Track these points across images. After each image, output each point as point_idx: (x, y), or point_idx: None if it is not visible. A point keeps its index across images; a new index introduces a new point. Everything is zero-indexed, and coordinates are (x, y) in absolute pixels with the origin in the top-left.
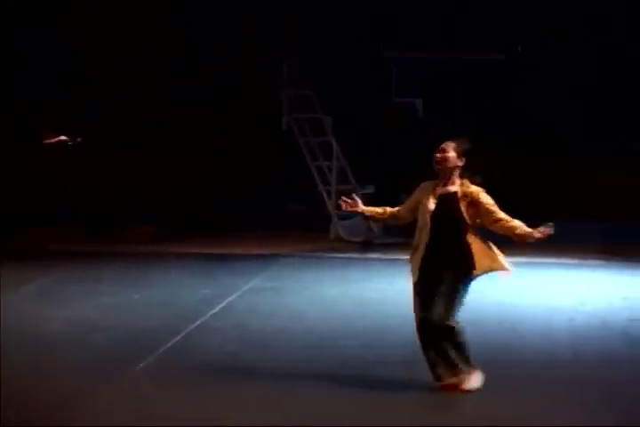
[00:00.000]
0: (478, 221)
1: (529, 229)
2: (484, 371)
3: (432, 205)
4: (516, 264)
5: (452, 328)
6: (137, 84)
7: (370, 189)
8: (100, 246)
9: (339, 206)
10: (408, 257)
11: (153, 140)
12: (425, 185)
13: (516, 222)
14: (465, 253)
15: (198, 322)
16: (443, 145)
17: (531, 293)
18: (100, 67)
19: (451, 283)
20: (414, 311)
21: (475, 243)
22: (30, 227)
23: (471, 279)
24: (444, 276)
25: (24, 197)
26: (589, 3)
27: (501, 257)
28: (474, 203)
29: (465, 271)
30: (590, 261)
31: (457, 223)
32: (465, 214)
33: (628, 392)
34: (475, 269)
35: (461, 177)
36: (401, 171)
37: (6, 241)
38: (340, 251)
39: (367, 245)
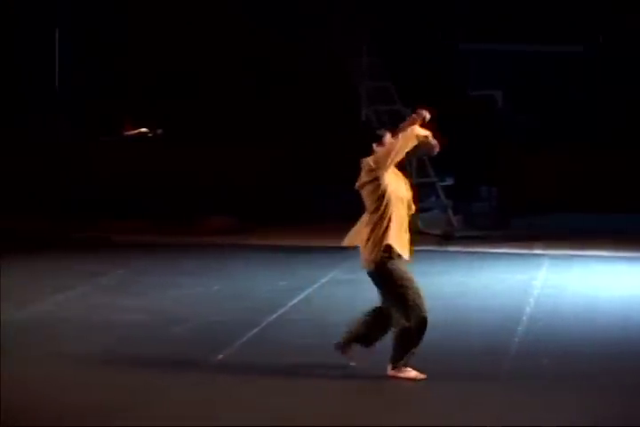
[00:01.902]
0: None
1: None
2: (562, 362)
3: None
4: (594, 258)
5: None
6: (216, 77)
7: (449, 181)
8: (179, 238)
9: (418, 198)
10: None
11: (232, 132)
12: None
13: None
14: None
15: (276, 315)
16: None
17: (609, 286)
18: (179, 59)
19: None
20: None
21: None
22: (112, 219)
23: None
24: None
25: (106, 189)
26: None
27: None
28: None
29: None
30: None
31: None
32: None
33: None
34: None
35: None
36: (479, 162)
37: (87, 233)
38: (419, 243)
39: (447, 238)
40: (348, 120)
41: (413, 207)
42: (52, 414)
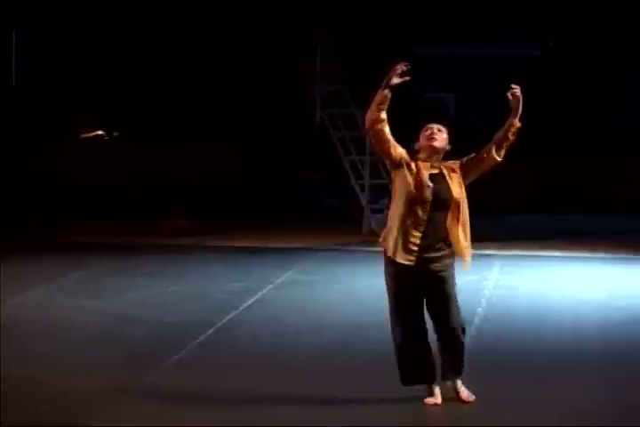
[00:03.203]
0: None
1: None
2: (514, 365)
3: (429, 182)
4: (545, 258)
5: None
6: (170, 78)
7: None
8: (139, 239)
9: (371, 200)
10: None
11: (187, 134)
12: (408, 157)
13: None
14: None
15: (232, 315)
16: (437, 125)
17: (559, 286)
18: (134, 62)
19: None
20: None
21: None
22: (72, 220)
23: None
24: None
25: (61, 192)
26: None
27: None
28: (463, 166)
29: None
30: (620, 255)
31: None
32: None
33: None
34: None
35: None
36: None
37: (47, 234)
38: (372, 244)
39: None
40: (303, 123)
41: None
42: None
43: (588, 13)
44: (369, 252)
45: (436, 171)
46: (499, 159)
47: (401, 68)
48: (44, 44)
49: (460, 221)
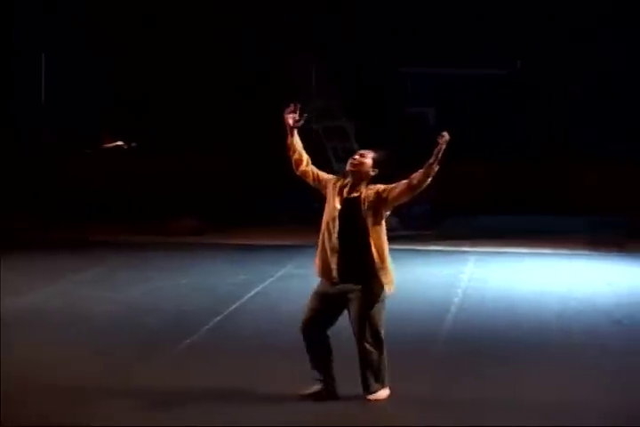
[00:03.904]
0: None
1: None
2: (487, 350)
3: (338, 205)
4: (514, 254)
5: None
6: (181, 94)
7: None
8: (151, 238)
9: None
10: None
11: (196, 142)
12: (334, 182)
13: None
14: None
15: (236, 305)
16: (363, 151)
17: (526, 279)
18: (149, 79)
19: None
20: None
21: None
22: (87, 221)
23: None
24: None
25: (82, 195)
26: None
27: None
28: (379, 195)
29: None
30: (579, 252)
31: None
32: (368, 219)
33: (612, 365)
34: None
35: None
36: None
37: (65, 234)
38: None
39: None
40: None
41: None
42: (35, 394)
43: (550, 39)
44: None
45: (356, 195)
46: (411, 195)
47: (290, 109)
48: (68, 65)
49: (373, 245)
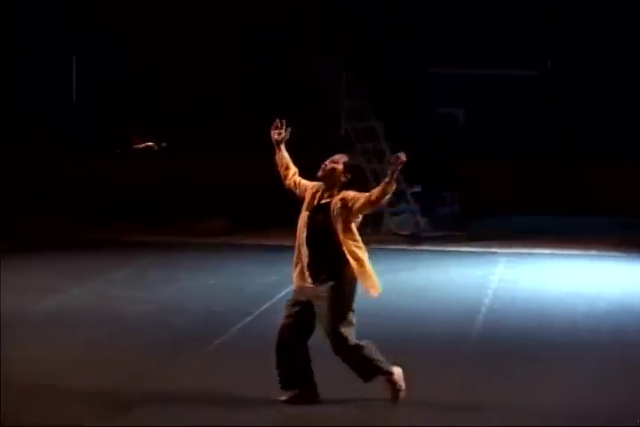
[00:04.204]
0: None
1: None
2: (517, 350)
3: (307, 211)
4: (543, 255)
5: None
6: (210, 96)
7: (417, 189)
8: (181, 238)
9: (390, 204)
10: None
11: (223, 144)
12: (311, 188)
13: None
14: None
15: (266, 305)
16: (335, 156)
17: (555, 280)
18: (178, 82)
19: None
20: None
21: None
22: (117, 221)
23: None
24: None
25: (112, 195)
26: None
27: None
28: (346, 203)
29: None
30: (608, 253)
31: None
32: (338, 225)
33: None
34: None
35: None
36: (444, 172)
37: (95, 234)
38: (390, 243)
39: (415, 238)
40: (330, 134)
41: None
42: (61, 393)
43: (580, 39)
44: (387, 250)
45: (326, 201)
46: (372, 208)
47: (276, 125)
48: (98, 66)
49: (346, 250)
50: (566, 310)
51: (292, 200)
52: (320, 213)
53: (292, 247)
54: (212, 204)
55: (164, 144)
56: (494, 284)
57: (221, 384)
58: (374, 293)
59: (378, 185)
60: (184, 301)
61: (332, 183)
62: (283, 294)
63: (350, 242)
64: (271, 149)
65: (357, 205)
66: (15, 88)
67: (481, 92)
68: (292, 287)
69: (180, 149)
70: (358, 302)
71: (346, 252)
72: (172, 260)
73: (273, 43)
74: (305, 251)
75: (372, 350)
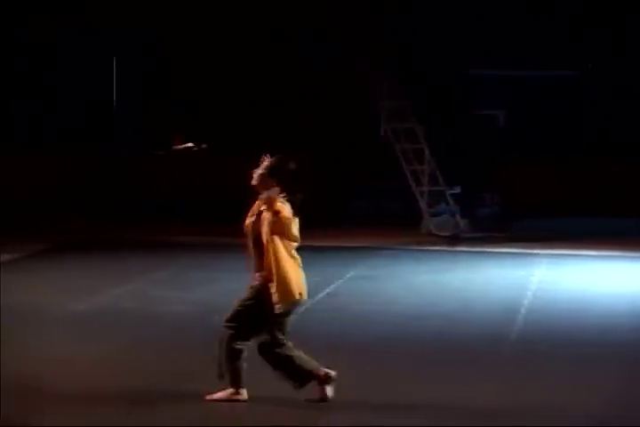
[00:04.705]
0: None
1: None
2: (557, 351)
3: (247, 220)
4: (584, 257)
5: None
6: (252, 96)
7: (457, 190)
8: (219, 239)
9: (430, 204)
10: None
11: (261, 143)
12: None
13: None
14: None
15: (305, 306)
16: (263, 162)
17: (596, 281)
18: (219, 81)
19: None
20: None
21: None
22: (158, 222)
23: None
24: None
25: (153, 196)
26: None
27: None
28: (263, 217)
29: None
30: None
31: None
32: (263, 235)
33: None
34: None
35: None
36: (483, 173)
37: (137, 235)
38: (430, 244)
39: (455, 239)
40: (370, 134)
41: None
42: (100, 395)
43: (620, 41)
44: (427, 251)
45: (263, 208)
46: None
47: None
48: (139, 68)
49: (265, 259)
50: (607, 312)
51: (329, 202)
52: (256, 223)
53: (332, 248)
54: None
55: (203, 145)
56: (534, 285)
57: (260, 385)
58: (277, 307)
59: (418, 186)
60: (224, 301)
61: (258, 191)
62: (322, 295)
63: (272, 252)
64: (312, 149)
65: (258, 226)
66: (57, 89)
67: (522, 93)
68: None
69: (220, 150)
70: (400, 303)
71: (266, 261)
72: (213, 260)
73: (316, 42)
74: (250, 252)
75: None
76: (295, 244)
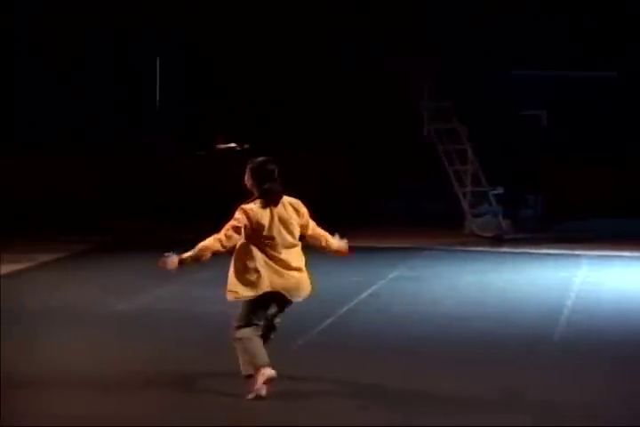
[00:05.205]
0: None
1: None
2: (599, 348)
3: None
4: (627, 258)
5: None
6: (298, 97)
7: (499, 190)
8: None
9: (472, 205)
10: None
11: (305, 144)
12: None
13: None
14: None
15: (348, 306)
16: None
17: (638, 283)
18: (265, 83)
19: None
20: None
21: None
22: (201, 222)
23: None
24: None
25: (195, 195)
26: None
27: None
28: None
29: None
30: None
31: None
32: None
33: None
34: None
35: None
36: (526, 174)
37: (181, 235)
38: (473, 245)
39: (498, 240)
40: (413, 135)
41: None
42: (143, 395)
43: None
44: (470, 251)
45: None
46: None
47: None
48: (182, 68)
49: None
50: None
51: (371, 202)
52: None
53: (374, 249)
54: None
55: (246, 146)
56: (577, 286)
57: (305, 385)
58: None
59: (461, 186)
60: None
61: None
62: (364, 295)
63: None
64: (354, 149)
65: None
66: (101, 90)
67: (564, 94)
68: None
69: (262, 151)
70: (444, 303)
71: None
72: None
73: (358, 41)
74: None
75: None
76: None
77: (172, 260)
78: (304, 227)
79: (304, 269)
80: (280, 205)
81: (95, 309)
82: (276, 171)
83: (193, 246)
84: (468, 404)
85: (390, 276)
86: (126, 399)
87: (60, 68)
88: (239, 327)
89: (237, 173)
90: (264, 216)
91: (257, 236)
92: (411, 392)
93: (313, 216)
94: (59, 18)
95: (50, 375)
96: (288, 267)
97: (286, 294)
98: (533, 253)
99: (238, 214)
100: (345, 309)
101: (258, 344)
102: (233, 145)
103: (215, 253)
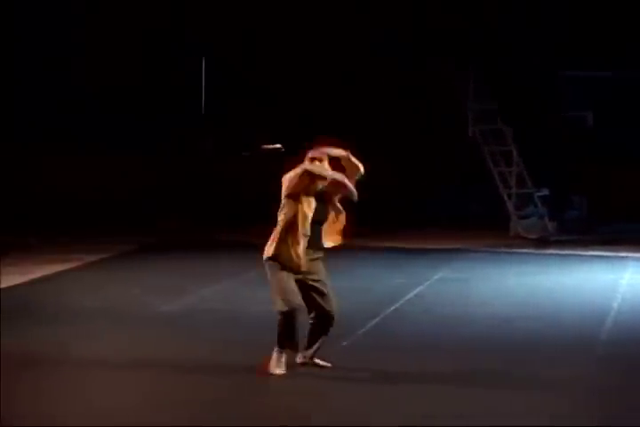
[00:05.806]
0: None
1: None
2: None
3: None
4: None
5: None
6: (340, 100)
7: (545, 192)
8: None
9: (517, 207)
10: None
11: (346, 145)
12: None
13: None
14: None
15: (394, 307)
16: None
17: None
18: (309, 84)
19: None
20: None
21: None
22: (248, 223)
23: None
24: None
25: (242, 197)
26: None
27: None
28: None
29: None
30: None
31: None
32: None
33: None
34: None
35: None
36: (572, 175)
37: (228, 236)
38: (518, 246)
39: (543, 242)
40: (458, 136)
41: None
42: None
43: None
44: (515, 253)
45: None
46: None
47: None
48: (227, 69)
49: None
50: None
51: (415, 204)
52: None
53: (418, 251)
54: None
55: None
56: (623, 288)
57: (351, 384)
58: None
59: (505, 188)
60: None
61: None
62: (410, 296)
63: None
64: (398, 150)
65: None
66: (148, 91)
67: (610, 95)
68: None
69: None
70: (490, 305)
71: None
72: None
73: (400, 42)
74: None
75: None
76: None
77: None
78: None
79: None
80: None
81: (139, 309)
82: None
83: (241, 247)
84: (514, 403)
85: (435, 277)
86: (165, 401)
87: (111, 70)
88: None
89: (282, 174)
90: None
91: None
92: (457, 391)
93: (357, 217)
94: (111, 19)
95: (91, 373)
96: None
97: None
98: (579, 255)
99: None
100: (391, 309)
101: None
102: (278, 146)
103: None
